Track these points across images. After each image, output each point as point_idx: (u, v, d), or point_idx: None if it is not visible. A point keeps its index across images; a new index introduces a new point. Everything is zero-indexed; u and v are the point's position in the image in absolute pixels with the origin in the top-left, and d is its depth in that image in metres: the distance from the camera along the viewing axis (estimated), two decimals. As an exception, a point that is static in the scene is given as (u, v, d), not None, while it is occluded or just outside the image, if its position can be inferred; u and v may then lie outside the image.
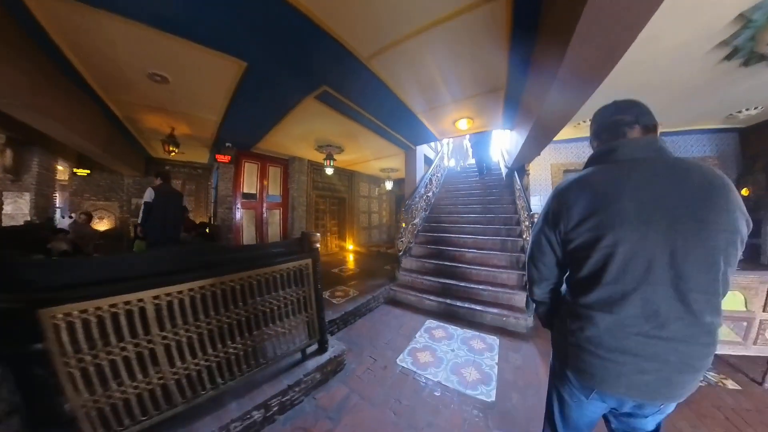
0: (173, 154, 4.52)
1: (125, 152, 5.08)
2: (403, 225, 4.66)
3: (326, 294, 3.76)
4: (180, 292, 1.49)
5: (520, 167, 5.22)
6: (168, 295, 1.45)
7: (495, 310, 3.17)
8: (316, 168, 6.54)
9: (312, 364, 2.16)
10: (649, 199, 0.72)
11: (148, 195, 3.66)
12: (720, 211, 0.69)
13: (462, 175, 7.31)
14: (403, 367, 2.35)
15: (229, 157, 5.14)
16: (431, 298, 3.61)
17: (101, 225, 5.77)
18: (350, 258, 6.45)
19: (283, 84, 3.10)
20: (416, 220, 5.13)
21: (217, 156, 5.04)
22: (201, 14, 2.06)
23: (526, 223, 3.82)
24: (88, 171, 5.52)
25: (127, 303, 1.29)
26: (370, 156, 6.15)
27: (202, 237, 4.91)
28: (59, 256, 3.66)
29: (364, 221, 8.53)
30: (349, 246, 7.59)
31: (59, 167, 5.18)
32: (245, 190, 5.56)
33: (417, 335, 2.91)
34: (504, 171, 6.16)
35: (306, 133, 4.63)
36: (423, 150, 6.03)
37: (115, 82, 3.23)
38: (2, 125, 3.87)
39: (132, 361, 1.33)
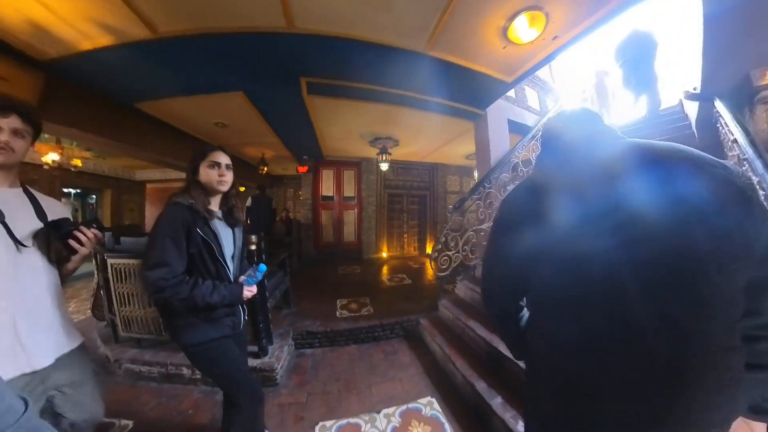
0: (264, 170, 5.66)
1: (250, 174, 6.84)
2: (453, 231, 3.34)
3: (339, 303, 3.46)
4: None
5: (736, 87, 1.96)
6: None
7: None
8: (390, 166, 6.18)
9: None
10: None
11: (248, 201, 5.11)
12: None
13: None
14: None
15: (307, 167, 5.82)
16: (458, 365, 2.13)
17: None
18: (422, 264, 5.65)
19: (277, 93, 3.34)
20: (489, 224, 3.63)
21: (298, 168, 5.84)
22: (187, 73, 2.84)
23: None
24: (243, 188, 7.92)
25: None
26: (434, 141, 5.20)
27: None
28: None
29: (455, 220, 7.20)
30: (430, 250, 6.68)
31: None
32: (324, 194, 6.15)
33: (381, 415, 1.86)
34: (691, 113, 2.93)
35: (344, 131, 4.56)
36: (505, 113, 4.17)
37: (207, 135, 4.56)
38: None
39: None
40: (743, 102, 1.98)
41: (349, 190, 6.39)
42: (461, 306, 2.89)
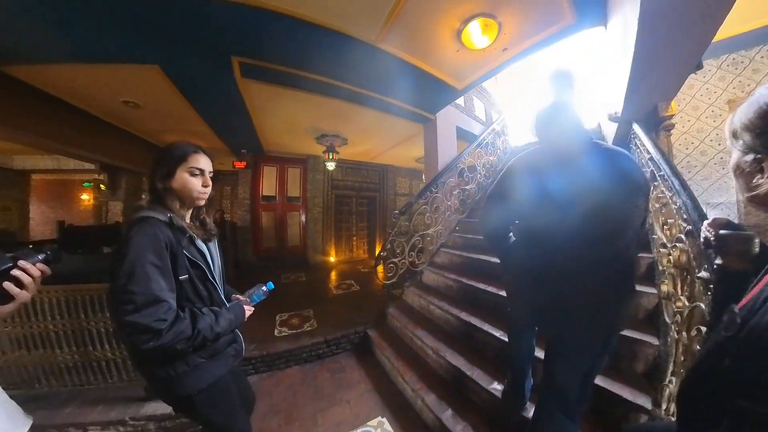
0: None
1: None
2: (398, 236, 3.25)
3: (279, 318, 3.08)
4: None
5: (647, 115, 2.31)
6: None
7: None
8: (338, 165, 5.92)
9: (148, 409, 1.75)
10: None
11: None
12: None
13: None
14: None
15: (245, 162, 5.21)
16: (407, 378, 2.03)
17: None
18: (371, 268, 5.48)
19: (203, 72, 2.82)
20: (436, 228, 3.52)
21: (234, 163, 5.18)
22: (78, 32, 2.13)
23: (675, 245, 1.37)
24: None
25: None
26: (384, 143, 5.12)
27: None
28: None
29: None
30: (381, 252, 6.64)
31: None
32: (265, 193, 5.58)
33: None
34: (608, 133, 3.08)
35: (288, 125, 4.16)
36: (453, 120, 4.35)
37: (113, 115, 3.69)
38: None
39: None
40: (651, 128, 2.32)
41: (294, 190, 5.89)
42: (409, 314, 2.79)
